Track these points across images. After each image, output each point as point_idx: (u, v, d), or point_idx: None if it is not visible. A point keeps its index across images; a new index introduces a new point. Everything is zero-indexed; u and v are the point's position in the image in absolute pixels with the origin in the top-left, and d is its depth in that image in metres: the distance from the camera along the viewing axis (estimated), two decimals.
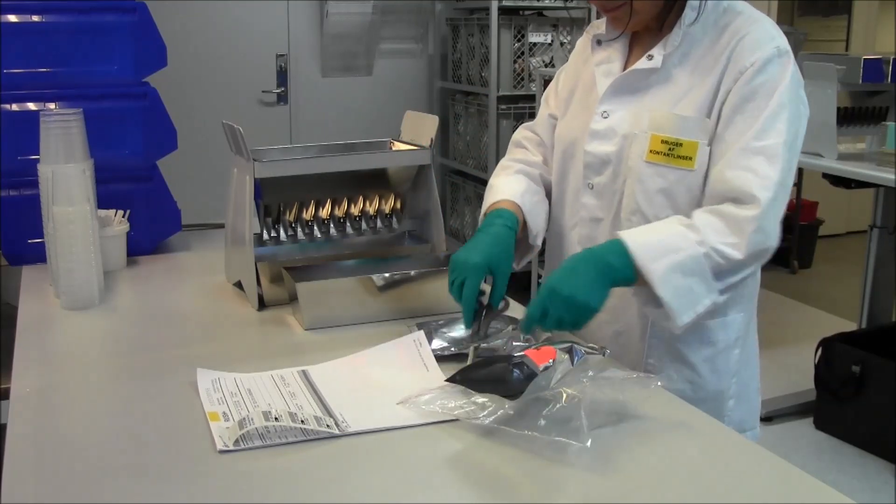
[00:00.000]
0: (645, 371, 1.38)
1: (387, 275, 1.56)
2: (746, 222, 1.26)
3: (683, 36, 1.35)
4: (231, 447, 1.07)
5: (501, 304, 1.39)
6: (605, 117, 1.41)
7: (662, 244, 1.26)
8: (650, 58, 1.37)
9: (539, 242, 1.52)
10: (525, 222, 1.48)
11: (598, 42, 1.47)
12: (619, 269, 1.26)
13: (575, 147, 1.46)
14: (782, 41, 1.32)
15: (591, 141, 1.42)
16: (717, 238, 1.26)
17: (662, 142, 1.34)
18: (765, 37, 1.31)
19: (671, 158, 1.34)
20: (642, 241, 1.27)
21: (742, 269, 1.29)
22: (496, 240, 1.40)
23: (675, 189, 1.34)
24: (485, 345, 1.33)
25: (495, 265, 1.37)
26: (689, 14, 1.35)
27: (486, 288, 1.38)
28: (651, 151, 1.35)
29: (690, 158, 1.33)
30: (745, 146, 1.28)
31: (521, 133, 1.65)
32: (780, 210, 1.29)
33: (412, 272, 1.58)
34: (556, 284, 1.25)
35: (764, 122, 1.28)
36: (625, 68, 1.43)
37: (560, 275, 1.27)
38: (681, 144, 1.33)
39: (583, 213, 1.45)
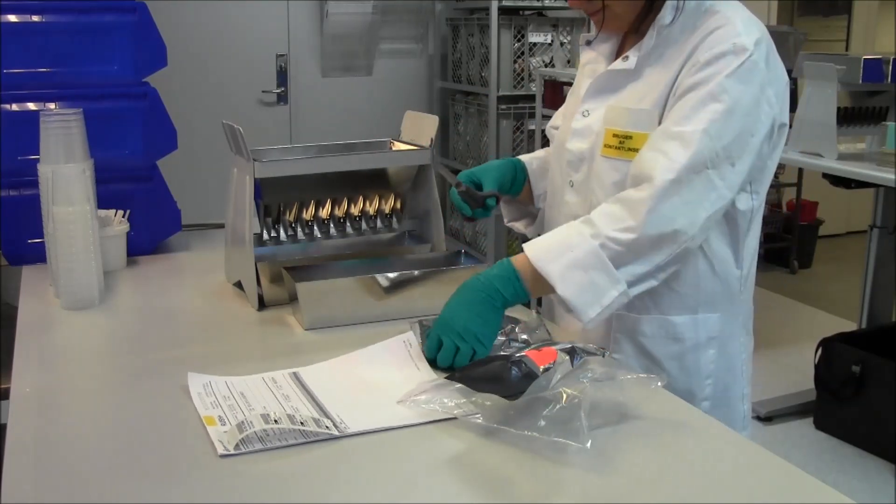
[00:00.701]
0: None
1: (387, 275, 1.56)
2: (640, 203, 1.26)
3: (660, 37, 1.36)
4: (232, 451, 1.07)
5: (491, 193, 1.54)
6: (586, 116, 1.44)
7: (558, 244, 1.29)
8: (625, 59, 1.39)
9: (540, 205, 1.61)
10: (529, 182, 1.61)
11: (588, 43, 1.50)
12: (506, 292, 1.30)
13: (562, 146, 1.49)
14: (747, 39, 1.28)
15: (571, 139, 1.46)
16: (611, 226, 1.27)
17: (614, 135, 1.37)
18: (728, 34, 1.29)
19: (622, 151, 1.35)
20: (539, 245, 1.30)
21: (643, 254, 1.27)
22: (500, 164, 1.58)
23: (627, 181, 1.34)
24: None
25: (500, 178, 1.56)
26: (665, 15, 1.35)
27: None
28: (605, 146, 1.38)
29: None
30: (664, 129, 1.30)
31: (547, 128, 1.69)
32: (694, 198, 1.26)
33: (412, 272, 1.58)
34: (448, 318, 1.30)
35: (688, 109, 1.28)
36: None
37: (451, 307, 1.31)
38: (631, 137, 1.35)
39: (565, 210, 1.48)
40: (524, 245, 1.32)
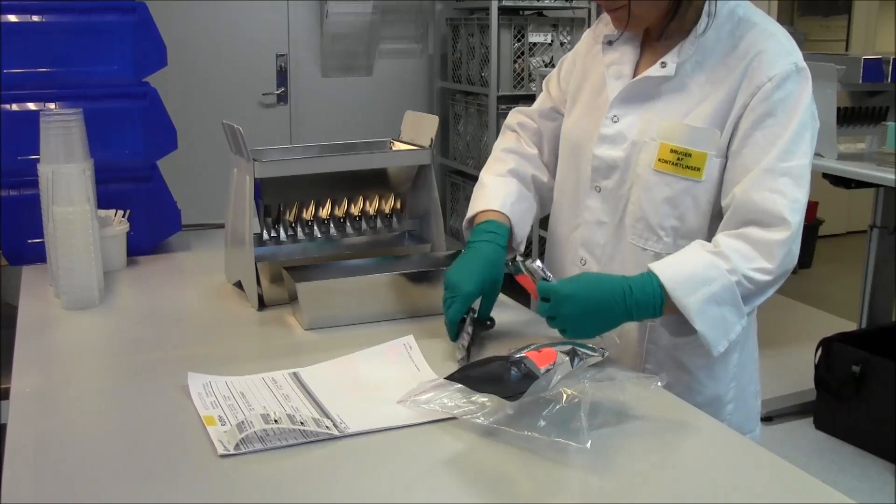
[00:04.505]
0: (637, 371, 1.38)
1: (387, 275, 1.56)
2: (777, 246, 1.26)
3: (696, 44, 1.34)
4: (232, 451, 1.07)
5: (487, 323, 1.46)
6: (615, 122, 1.41)
7: (696, 277, 1.25)
8: (663, 65, 1.36)
9: (522, 248, 1.53)
10: (512, 232, 1.49)
11: (609, 42, 1.45)
12: (645, 311, 1.27)
13: (582, 149, 1.45)
14: (798, 56, 1.31)
15: (599, 144, 1.42)
16: (746, 265, 1.25)
17: (671, 151, 1.34)
18: (782, 52, 1.30)
19: (679, 168, 1.33)
20: (676, 276, 1.26)
21: (769, 291, 1.29)
22: (488, 263, 1.42)
23: (681, 198, 1.34)
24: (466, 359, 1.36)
25: (487, 290, 1.41)
26: (702, 22, 1.33)
27: (477, 303, 1.42)
28: (660, 160, 1.35)
29: (698, 169, 1.32)
30: (770, 167, 1.27)
31: (517, 118, 1.64)
32: (801, 230, 1.30)
33: (412, 272, 1.58)
34: (578, 315, 1.26)
35: (788, 142, 1.27)
36: (635, 71, 1.41)
37: (585, 303, 1.26)
38: (690, 155, 1.33)
39: (586, 215, 1.45)
40: (655, 269, 1.27)
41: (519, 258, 1.36)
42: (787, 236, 1.25)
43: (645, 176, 1.36)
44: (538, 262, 1.34)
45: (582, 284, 1.29)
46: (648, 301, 1.26)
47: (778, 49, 1.30)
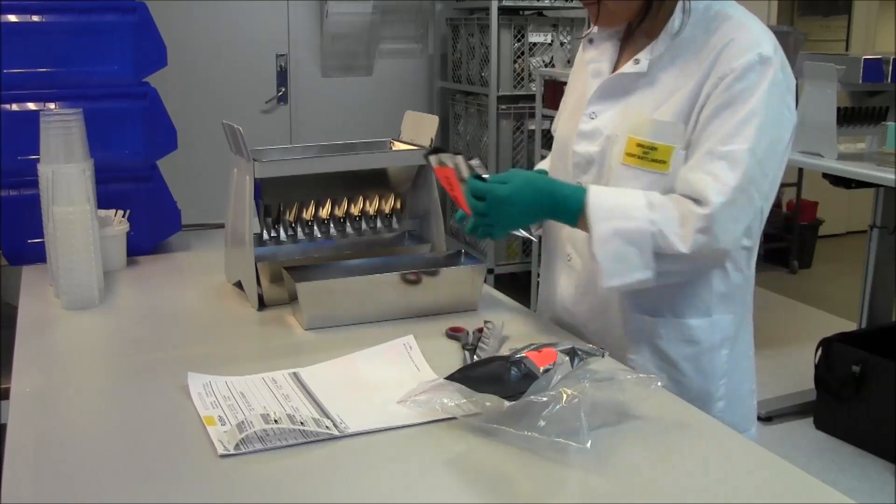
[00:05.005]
0: (628, 367, 1.38)
1: (387, 275, 1.56)
2: (695, 219, 1.28)
3: (670, 40, 1.36)
4: (232, 451, 1.07)
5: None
6: (593, 118, 1.43)
7: (618, 209, 1.32)
8: (637, 62, 1.39)
9: None
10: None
11: (591, 41, 1.49)
12: (563, 217, 1.37)
13: (566, 146, 1.49)
14: (767, 47, 1.30)
15: (578, 141, 1.45)
16: (668, 225, 1.29)
17: (638, 145, 1.36)
18: (749, 43, 1.31)
19: (646, 161, 1.36)
20: (600, 201, 1.33)
21: (682, 262, 1.31)
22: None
23: (651, 190, 1.35)
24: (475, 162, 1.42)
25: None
26: (674, 19, 1.35)
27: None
28: (627, 154, 1.37)
29: (665, 162, 1.34)
30: (710, 150, 1.30)
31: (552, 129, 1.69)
32: (739, 215, 1.29)
33: (412, 272, 1.58)
34: (509, 217, 1.36)
35: (732, 127, 1.29)
36: (615, 69, 1.44)
37: (519, 206, 1.35)
38: (656, 148, 1.35)
39: None
40: (591, 190, 1.34)
41: (443, 154, 1.43)
42: (705, 213, 1.27)
43: (617, 169, 1.39)
44: (475, 160, 1.39)
45: (516, 187, 1.35)
46: (569, 209, 1.35)
47: (746, 40, 1.31)
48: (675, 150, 1.33)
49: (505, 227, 1.39)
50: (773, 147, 1.30)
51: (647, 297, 1.39)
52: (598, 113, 1.43)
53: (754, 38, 1.31)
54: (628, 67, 1.40)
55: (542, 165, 1.64)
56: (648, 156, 1.35)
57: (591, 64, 1.48)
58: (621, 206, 1.32)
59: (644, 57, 1.38)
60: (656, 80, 1.37)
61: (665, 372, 1.41)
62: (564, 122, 1.53)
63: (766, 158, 1.29)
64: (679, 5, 1.35)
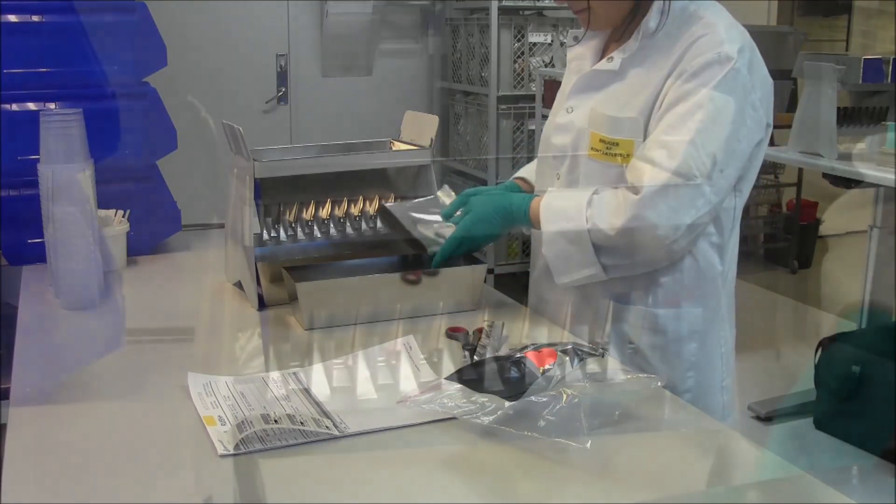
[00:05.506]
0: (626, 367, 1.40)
1: (387, 275, 1.56)
2: (627, 206, 1.33)
3: (645, 40, 1.39)
4: (232, 451, 1.07)
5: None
6: (569, 112, 1.49)
7: (562, 212, 1.41)
8: (610, 60, 1.43)
9: None
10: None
11: (575, 39, 1.54)
12: (517, 223, 1.48)
13: (548, 140, 1.54)
14: (730, 47, 1.32)
15: (556, 134, 1.51)
16: (601, 217, 1.35)
17: (600, 140, 1.41)
18: (713, 42, 1.33)
19: (609, 156, 1.40)
20: (549, 205, 1.42)
21: (621, 251, 1.36)
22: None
23: (617, 183, 1.38)
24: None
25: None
26: (650, 20, 1.38)
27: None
28: (592, 149, 1.43)
29: (627, 156, 1.38)
30: (654, 139, 1.34)
31: None
32: (677, 204, 1.31)
33: (412, 272, 1.58)
34: (471, 235, 1.52)
35: (677, 118, 1.32)
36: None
37: (477, 222, 1.51)
38: (617, 144, 1.39)
39: None
40: (546, 195, 1.45)
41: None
42: (636, 199, 1.31)
43: (585, 162, 1.44)
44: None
45: (477, 202, 1.51)
46: (521, 217, 1.47)
47: (710, 40, 1.34)
48: (636, 144, 1.37)
49: (474, 240, 1.51)
50: (729, 143, 1.32)
51: (616, 285, 1.43)
52: (575, 107, 1.48)
53: (718, 38, 1.33)
54: (602, 65, 1.44)
55: (522, 172, 1.70)
56: (611, 150, 1.40)
57: (573, 62, 1.53)
58: (564, 209, 1.40)
59: (618, 55, 1.42)
60: (626, 77, 1.41)
61: (632, 360, 1.43)
62: (550, 117, 1.58)
63: (718, 153, 1.31)
64: (657, 6, 1.38)
